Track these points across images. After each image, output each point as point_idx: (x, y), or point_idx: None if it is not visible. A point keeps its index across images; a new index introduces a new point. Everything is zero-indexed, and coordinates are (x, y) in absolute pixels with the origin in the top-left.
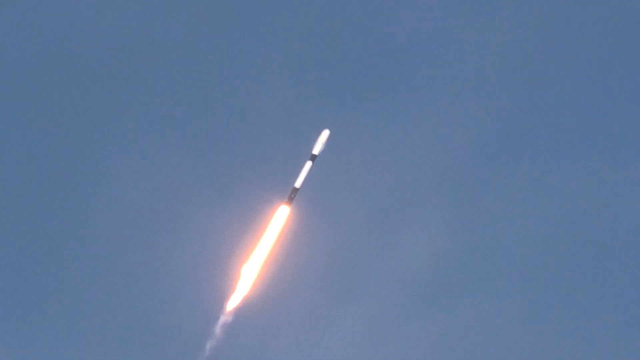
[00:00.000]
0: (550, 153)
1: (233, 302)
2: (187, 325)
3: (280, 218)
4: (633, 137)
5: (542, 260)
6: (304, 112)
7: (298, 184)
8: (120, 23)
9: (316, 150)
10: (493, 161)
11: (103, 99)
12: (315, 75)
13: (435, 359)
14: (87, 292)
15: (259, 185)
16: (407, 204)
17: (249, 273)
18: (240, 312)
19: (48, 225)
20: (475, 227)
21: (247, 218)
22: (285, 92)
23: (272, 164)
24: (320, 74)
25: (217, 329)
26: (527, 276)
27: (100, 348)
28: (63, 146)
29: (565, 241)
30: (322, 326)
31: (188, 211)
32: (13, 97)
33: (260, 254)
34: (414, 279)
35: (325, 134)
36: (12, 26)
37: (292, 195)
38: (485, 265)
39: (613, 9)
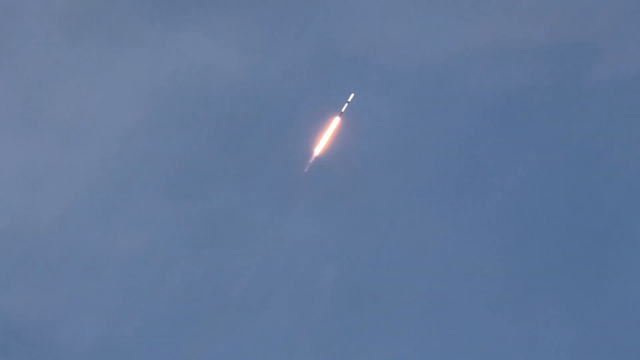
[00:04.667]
0: None
1: (318, 149)
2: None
3: (334, 124)
4: None
5: None
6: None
7: (343, 109)
8: None
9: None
10: None
11: None
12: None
13: None
14: None
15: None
16: None
17: (324, 139)
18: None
19: None
20: None
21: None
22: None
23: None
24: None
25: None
26: None
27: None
28: None
29: None
30: None
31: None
32: None
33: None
34: None
35: (351, 95)
36: None
37: (340, 114)
38: None
39: None
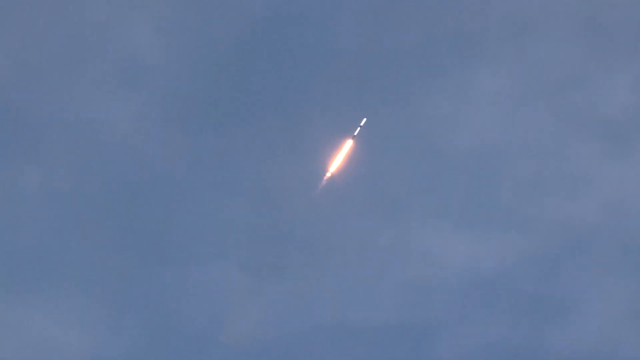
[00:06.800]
0: None
1: (331, 169)
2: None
3: (347, 146)
4: None
5: None
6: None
7: (356, 133)
8: None
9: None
10: None
11: None
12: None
13: None
14: None
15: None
16: None
17: (337, 162)
18: (335, 174)
19: None
20: None
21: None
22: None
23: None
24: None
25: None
26: None
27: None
28: None
29: None
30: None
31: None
32: None
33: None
34: None
35: (363, 120)
36: None
37: (354, 136)
38: None
39: None
